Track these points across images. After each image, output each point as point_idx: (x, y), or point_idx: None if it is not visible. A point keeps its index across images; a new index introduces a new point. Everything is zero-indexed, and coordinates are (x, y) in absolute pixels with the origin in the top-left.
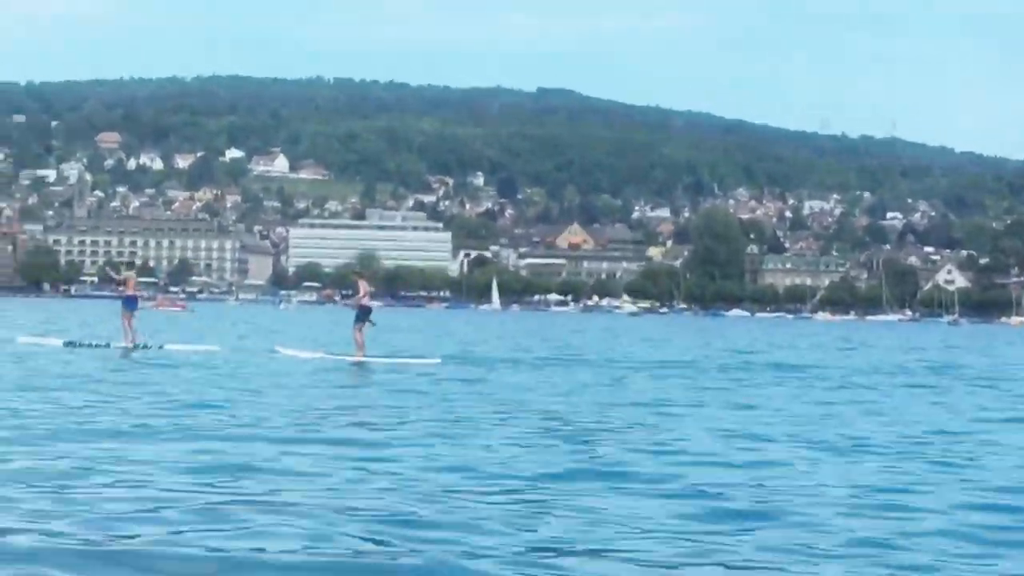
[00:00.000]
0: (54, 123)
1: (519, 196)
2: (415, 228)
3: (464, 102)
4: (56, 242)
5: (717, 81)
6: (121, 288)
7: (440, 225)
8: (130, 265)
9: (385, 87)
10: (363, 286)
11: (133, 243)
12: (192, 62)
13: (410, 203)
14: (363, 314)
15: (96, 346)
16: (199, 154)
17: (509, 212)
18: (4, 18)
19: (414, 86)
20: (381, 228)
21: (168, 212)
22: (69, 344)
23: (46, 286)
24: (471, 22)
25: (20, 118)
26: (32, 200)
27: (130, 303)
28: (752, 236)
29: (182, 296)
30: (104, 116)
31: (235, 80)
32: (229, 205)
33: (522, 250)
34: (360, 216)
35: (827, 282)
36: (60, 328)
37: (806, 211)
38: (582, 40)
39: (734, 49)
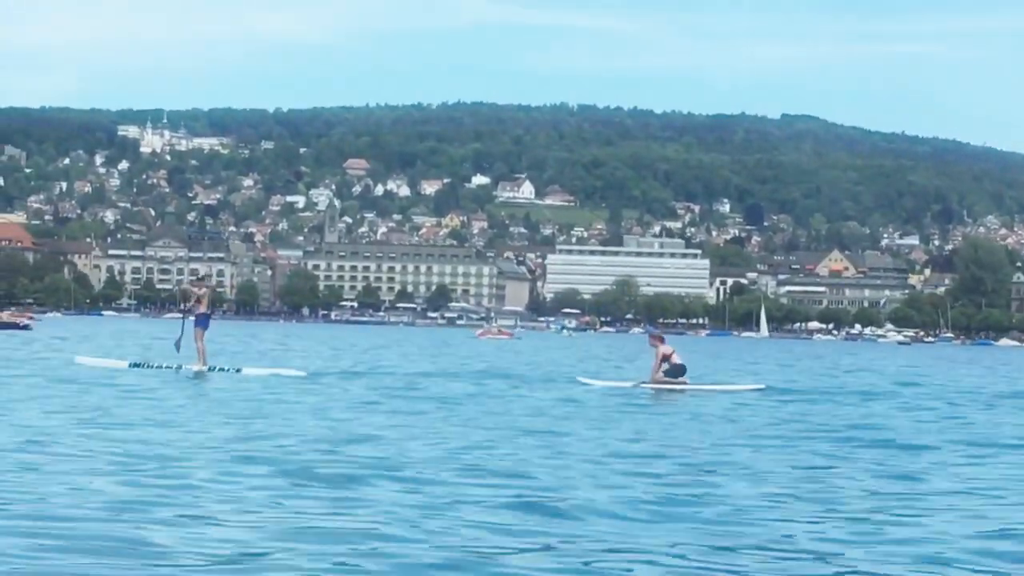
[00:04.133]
0: (302, 150)
1: (765, 223)
2: (672, 255)
3: (708, 129)
4: (315, 267)
5: (963, 107)
6: (192, 305)
7: (698, 252)
8: (200, 280)
9: (629, 114)
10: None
11: (391, 268)
12: (436, 89)
13: (656, 230)
14: (203, 322)
15: (165, 368)
16: (445, 180)
17: (756, 239)
18: (254, 46)
19: (658, 113)
20: (638, 255)
21: (416, 238)
22: (135, 366)
23: (305, 310)
24: (714, 49)
25: (269, 144)
26: (282, 225)
27: (203, 322)
28: (1019, 264)
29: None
30: (351, 143)
31: (479, 107)
32: (476, 231)
33: (781, 277)
34: (613, 242)
35: None
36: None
37: None
38: (825, 66)
39: (978, 75)
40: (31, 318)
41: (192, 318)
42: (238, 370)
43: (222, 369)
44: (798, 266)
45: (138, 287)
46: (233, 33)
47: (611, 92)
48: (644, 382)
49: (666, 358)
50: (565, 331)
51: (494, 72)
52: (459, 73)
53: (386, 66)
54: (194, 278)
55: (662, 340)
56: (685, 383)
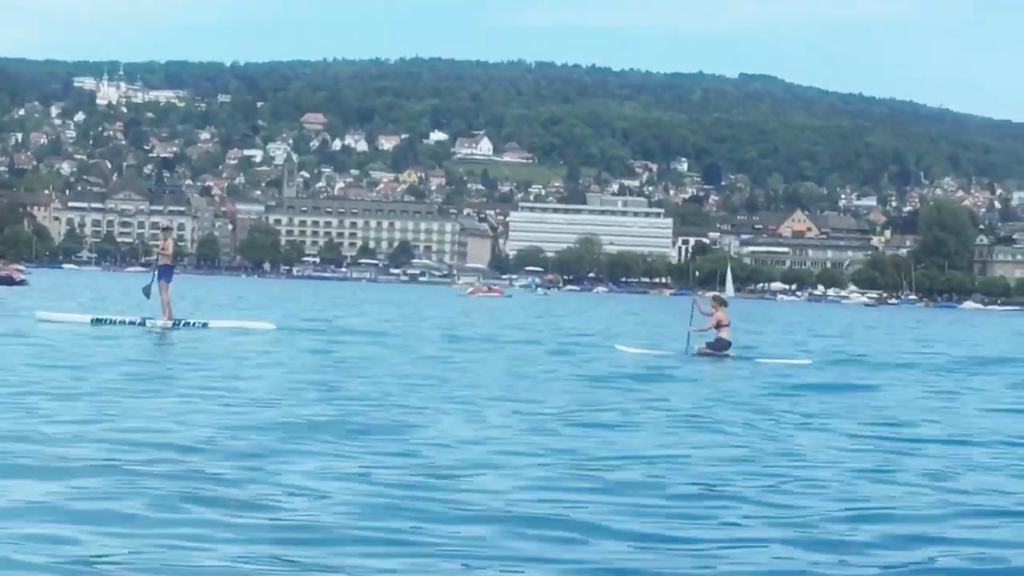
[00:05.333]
0: (260, 103)
1: (723, 183)
2: (635, 214)
3: (666, 87)
4: (276, 222)
5: (919, 68)
6: (156, 257)
7: (661, 211)
8: (167, 231)
9: (587, 71)
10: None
11: (353, 224)
12: (394, 44)
13: (614, 188)
14: (167, 274)
15: (130, 323)
16: (403, 136)
17: (714, 198)
18: None
19: (616, 71)
20: (601, 213)
21: (374, 193)
22: (97, 322)
23: (266, 266)
24: (672, 7)
25: (225, 98)
26: (239, 179)
27: (166, 273)
28: (983, 227)
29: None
30: (309, 97)
31: (437, 62)
32: (434, 187)
33: (744, 237)
34: (573, 200)
35: None
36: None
37: (1015, 202)
38: (784, 26)
39: (935, 37)
40: (20, 271)
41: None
42: (204, 324)
43: (187, 323)
44: (760, 226)
45: (98, 240)
46: None
47: (569, 50)
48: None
49: (718, 326)
50: (540, 290)
51: (452, 28)
52: (417, 28)
53: (344, 20)
54: (158, 230)
55: (723, 304)
56: (728, 356)
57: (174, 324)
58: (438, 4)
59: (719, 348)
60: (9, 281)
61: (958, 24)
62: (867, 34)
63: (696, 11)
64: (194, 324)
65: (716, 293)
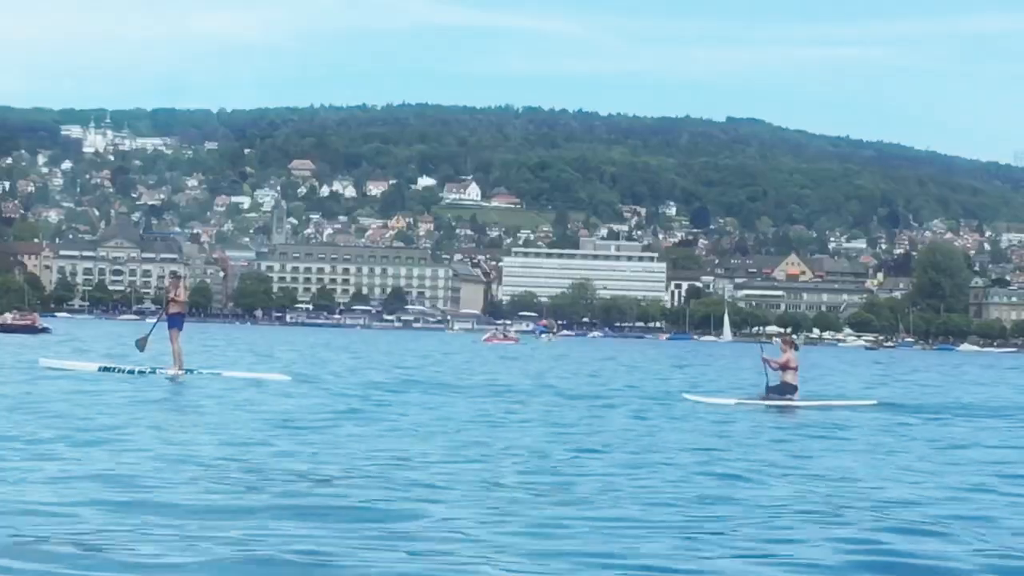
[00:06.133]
0: (247, 150)
1: (712, 226)
2: (628, 258)
3: (653, 131)
4: (268, 268)
5: (906, 111)
6: (167, 304)
7: (655, 255)
8: (177, 277)
9: (574, 116)
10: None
11: (345, 270)
12: (381, 91)
13: (603, 232)
14: (178, 322)
15: (139, 373)
16: (391, 181)
17: (703, 242)
18: (196, 46)
19: (603, 115)
20: (594, 258)
21: (363, 239)
22: (105, 370)
23: (258, 313)
24: (658, 52)
25: (212, 145)
26: (227, 226)
27: (177, 321)
28: (977, 269)
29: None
30: (296, 144)
31: (424, 108)
32: (422, 232)
33: (738, 280)
34: (563, 244)
35: None
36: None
37: (1004, 243)
38: (769, 70)
39: (920, 78)
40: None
41: (165, 319)
42: (216, 374)
43: (200, 372)
44: (755, 270)
45: (90, 288)
46: (176, 33)
47: (556, 94)
48: (748, 399)
49: (785, 367)
50: (544, 336)
51: (438, 74)
52: (403, 74)
53: (330, 67)
54: (149, 278)
55: (794, 347)
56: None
57: (186, 372)
58: (424, 50)
59: (781, 392)
60: (32, 329)
61: (942, 67)
62: (853, 77)
63: (681, 56)
64: (206, 373)
65: (787, 335)
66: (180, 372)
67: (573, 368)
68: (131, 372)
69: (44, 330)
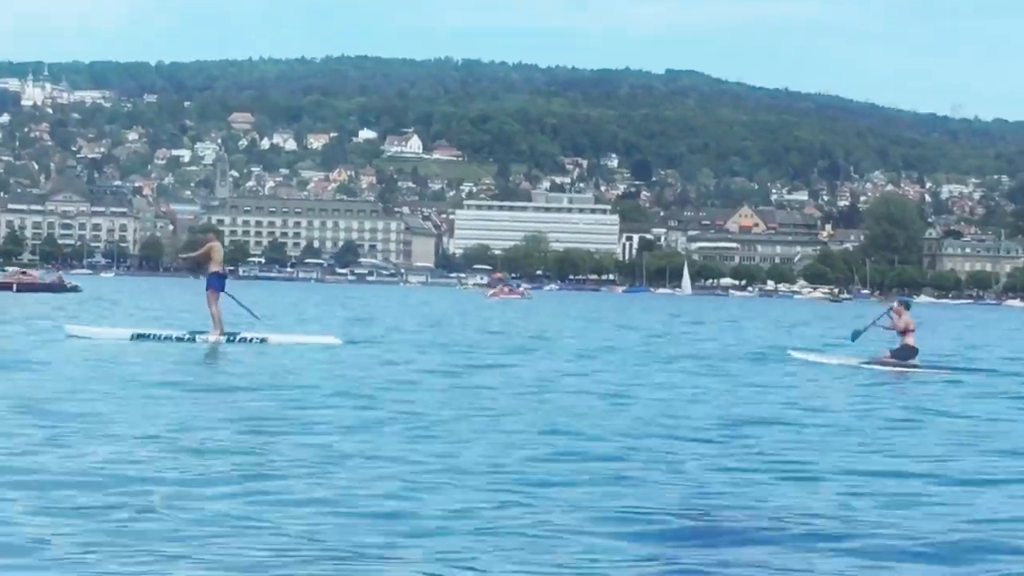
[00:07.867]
0: (186, 103)
1: (654, 178)
2: (581, 210)
3: (594, 83)
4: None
5: (844, 63)
6: (200, 261)
7: (608, 207)
8: (211, 232)
9: (514, 68)
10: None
11: (296, 223)
12: (320, 43)
13: (545, 185)
14: (218, 282)
15: (176, 339)
16: (332, 134)
17: (645, 194)
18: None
19: (543, 67)
20: (547, 210)
21: (305, 192)
22: (139, 337)
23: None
24: (596, 5)
25: (152, 98)
26: (168, 180)
27: (217, 282)
28: (931, 220)
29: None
30: (236, 96)
31: (363, 61)
32: (364, 185)
33: (691, 233)
34: (509, 196)
35: (1008, 268)
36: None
37: (944, 195)
38: (708, 23)
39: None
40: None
41: (203, 277)
42: (263, 340)
43: (243, 339)
44: (708, 222)
45: (39, 242)
46: None
47: (494, 48)
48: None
49: (905, 331)
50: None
51: (377, 26)
52: (342, 27)
53: (269, 20)
54: (99, 231)
55: (907, 307)
56: (916, 366)
57: (227, 338)
58: (362, 3)
59: (904, 356)
60: (60, 288)
61: (878, 20)
62: (791, 30)
63: (620, 9)
64: (252, 339)
65: (903, 297)
66: (220, 337)
67: (646, 328)
68: (168, 339)
69: (74, 288)
